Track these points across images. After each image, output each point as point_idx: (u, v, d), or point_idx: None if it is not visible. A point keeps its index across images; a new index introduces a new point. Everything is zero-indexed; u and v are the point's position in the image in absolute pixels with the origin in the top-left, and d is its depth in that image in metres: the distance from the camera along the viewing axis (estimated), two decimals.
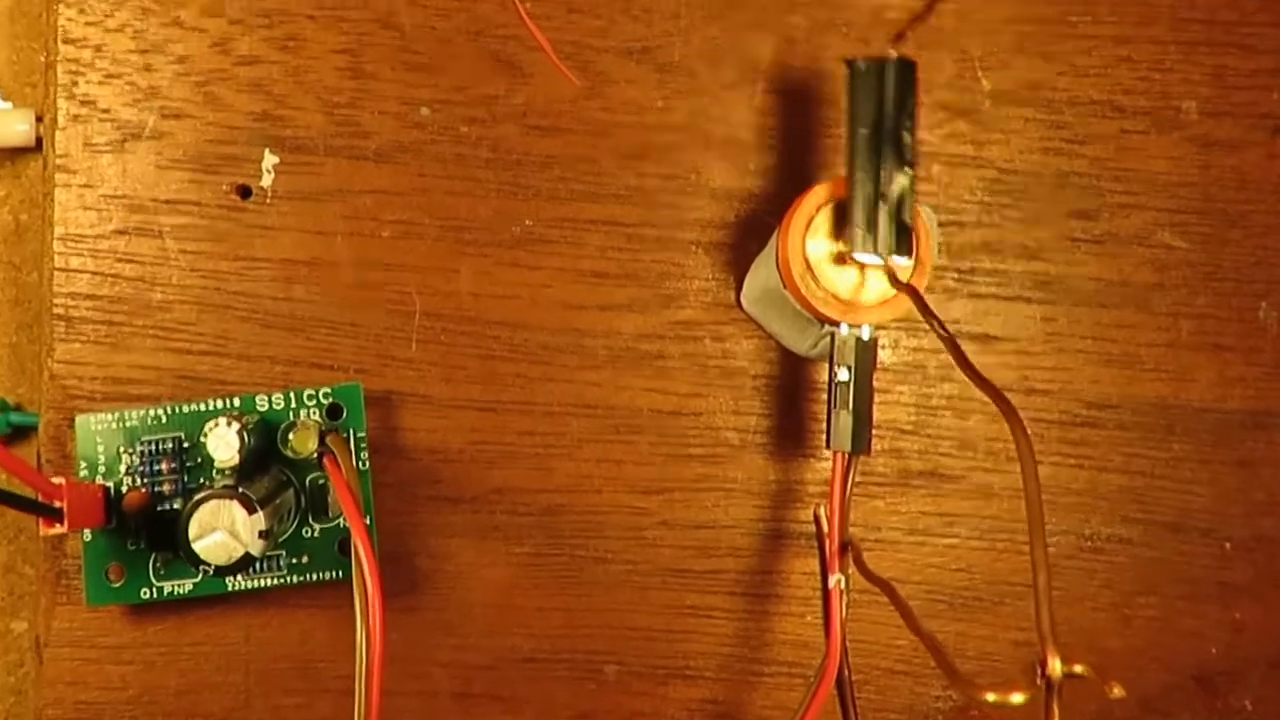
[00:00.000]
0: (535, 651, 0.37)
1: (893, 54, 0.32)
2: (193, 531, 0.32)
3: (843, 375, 0.33)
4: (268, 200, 0.36)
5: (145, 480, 0.35)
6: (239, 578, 0.35)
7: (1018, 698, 0.24)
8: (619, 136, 0.37)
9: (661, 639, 0.37)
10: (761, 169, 0.37)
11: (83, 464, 0.35)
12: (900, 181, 0.31)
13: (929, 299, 0.31)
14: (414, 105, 0.37)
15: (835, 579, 0.34)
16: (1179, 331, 0.38)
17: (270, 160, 0.36)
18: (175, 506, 0.34)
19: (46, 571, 0.35)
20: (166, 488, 0.35)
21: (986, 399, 0.28)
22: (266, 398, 0.35)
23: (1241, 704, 0.38)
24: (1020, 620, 0.38)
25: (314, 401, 0.35)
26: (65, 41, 0.36)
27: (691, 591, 0.37)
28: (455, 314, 0.37)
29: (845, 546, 0.34)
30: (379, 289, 0.36)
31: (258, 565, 0.35)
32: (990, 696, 0.25)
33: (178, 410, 0.35)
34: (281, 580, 0.35)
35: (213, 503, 0.32)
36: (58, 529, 0.32)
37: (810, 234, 0.33)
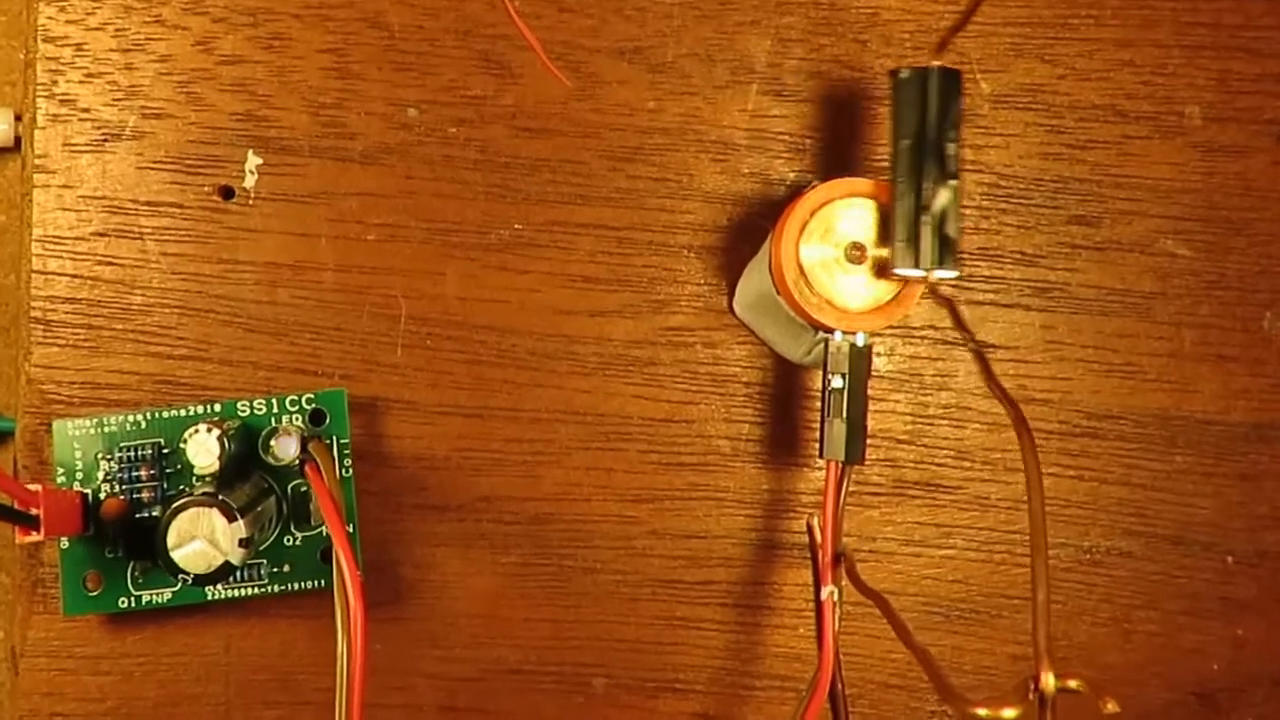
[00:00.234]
0: (522, 663, 0.36)
1: (935, 63, 0.31)
2: (171, 540, 0.31)
3: (837, 383, 0.32)
4: (251, 202, 0.36)
5: (124, 487, 0.34)
6: (219, 587, 0.34)
7: (1010, 713, 0.24)
8: (610, 138, 0.36)
9: (651, 651, 0.36)
10: (754, 172, 0.37)
11: (60, 470, 0.34)
12: (943, 195, 0.31)
13: (920, 306, 0.31)
14: (401, 106, 0.36)
15: (828, 591, 0.33)
16: (1181, 341, 0.37)
17: (253, 161, 0.36)
18: (154, 514, 0.34)
19: (22, 580, 0.35)
20: (146, 495, 0.34)
21: (984, 408, 0.27)
22: (248, 403, 0.34)
23: None
24: (1017, 633, 0.37)
25: (297, 407, 0.34)
26: (45, 40, 0.35)
27: (682, 603, 0.36)
28: (442, 319, 0.36)
29: (838, 558, 0.33)
30: (364, 293, 0.36)
31: (238, 574, 0.34)
32: (982, 712, 0.24)
33: (157, 416, 0.34)
34: (263, 589, 0.34)
35: (192, 510, 0.31)
36: (34, 537, 0.32)
37: (804, 239, 0.32)
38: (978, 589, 0.37)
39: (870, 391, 0.33)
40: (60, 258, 0.35)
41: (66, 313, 0.35)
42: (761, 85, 0.37)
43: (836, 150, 0.37)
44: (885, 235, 0.31)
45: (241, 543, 0.31)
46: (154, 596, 0.34)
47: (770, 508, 0.37)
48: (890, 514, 0.37)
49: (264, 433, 0.34)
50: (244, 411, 0.34)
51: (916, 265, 0.31)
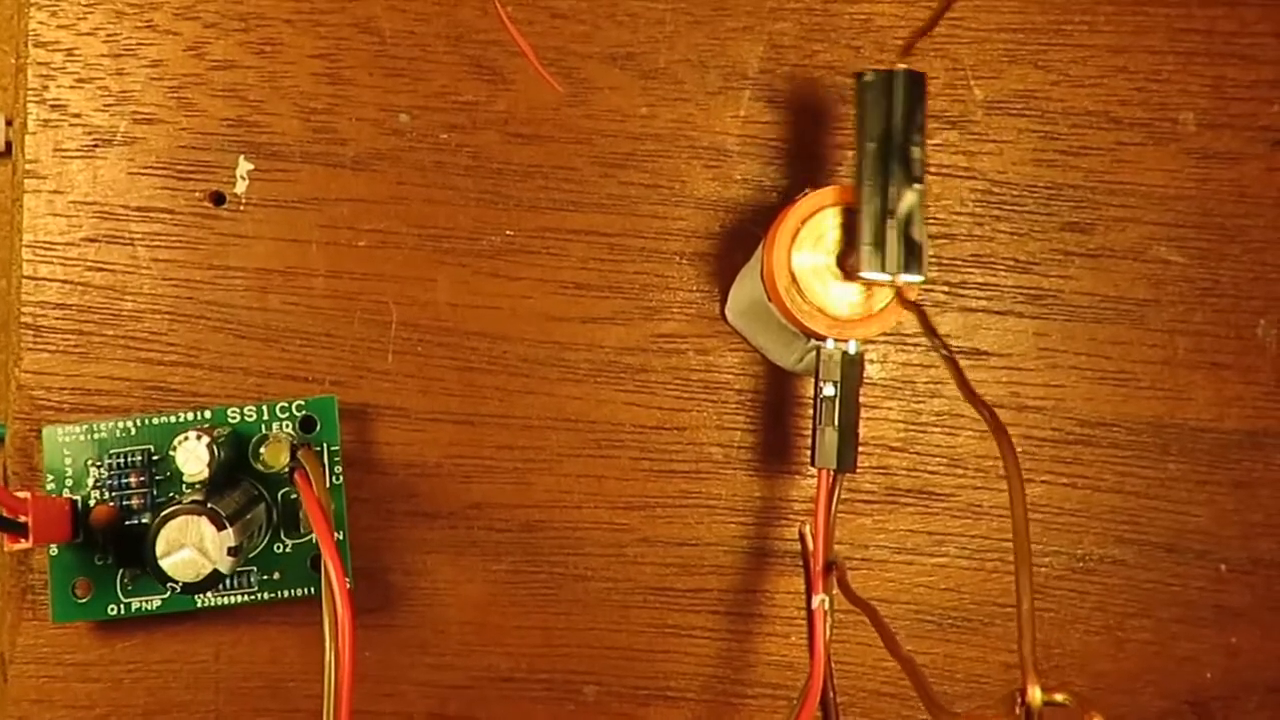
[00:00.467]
0: (513, 671, 0.36)
1: (901, 66, 0.31)
2: (160, 548, 0.31)
3: (828, 390, 0.32)
4: (242, 208, 0.35)
5: (113, 494, 0.34)
6: (209, 594, 0.34)
7: None
8: (602, 145, 0.36)
9: (642, 659, 0.36)
10: (747, 178, 0.37)
11: (50, 477, 0.34)
12: (909, 198, 0.31)
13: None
14: (392, 112, 0.36)
15: (819, 599, 0.33)
16: (1175, 349, 0.37)
17: (245, 167, 0.35)
18: (144, 521, 0.34)
19: (11, 587, 0.35)
20: (135, 501, 0.34)
21: (977, 416, 0.27)
22: (238, 410, 0.34)
23: None
24: (1010, 642, 0.37)
25: (287, 414, 0.34)
26: (36, 45, 0.35)
27: (673, 610, 0.36)
28: (433, 325, 0.36)
29: (830, 566, 0.33)
30: (355, 299, 0.36)
31: (228, 581, 0.34)
32: None
33: (147, 422, 0.34)
34: (252, 597, 0.34)
35: (180, 518, 0.31)
36: (23, 544, 0.32)
37: (796, 246, 0.32)
38: (970, 597, 0.37)
39: (862, 399, 0.33)
40: (51, 263, 0.35)
41: (57, 318, 0.35)
42: (754, 91, 0.37)
43: (829, 157, 0.37)
44: (850, 239, 0.31)
45: (230, 551, 0.31)
46: (143, 604, 0.34)
47: (762, 515, 0.36)
48: (883, 522, 0.37)
49: (254, 439, 0.34)
50: (234, 418, 0.34)
51: (883, 269, 0.31)
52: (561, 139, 0.36)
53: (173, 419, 0.34)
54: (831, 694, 0.33)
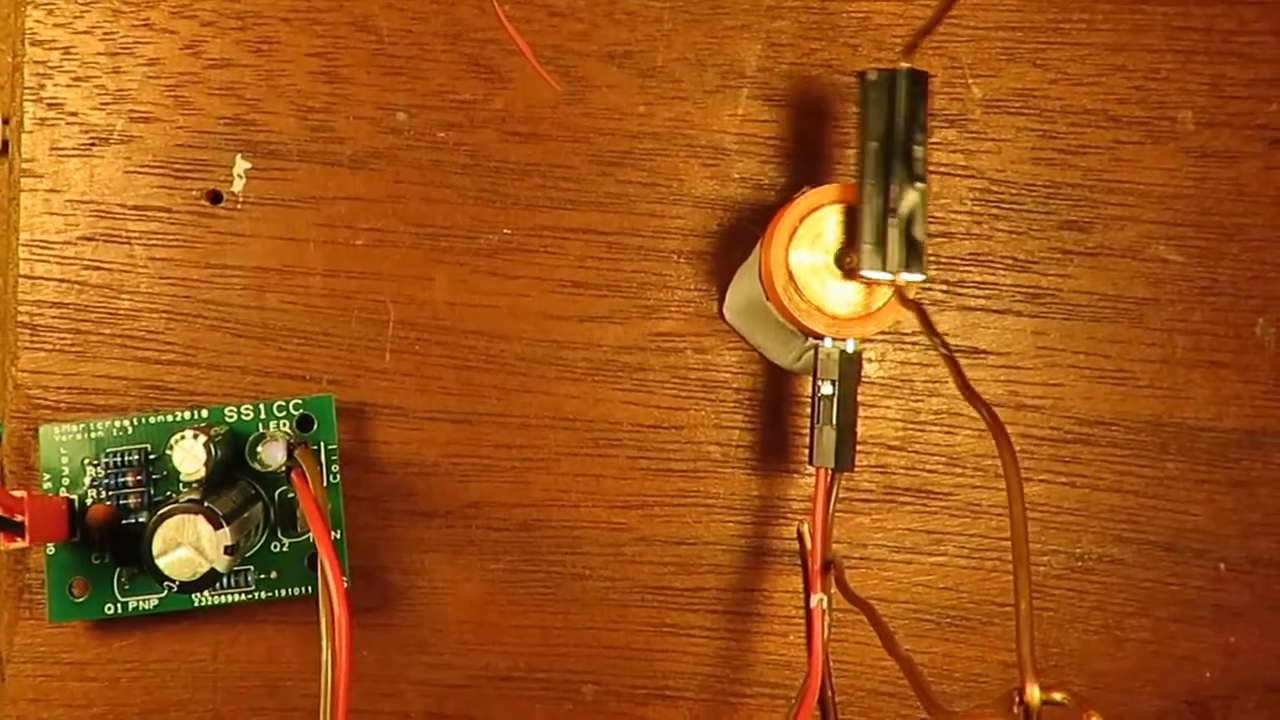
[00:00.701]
0: (511, 670, 0.36)
1: (904, 65, 0.31)
2: (156, 547, 0.31)
3: (826, 389, 0.32)
4: (239, 206, 0.35)
5: (110, 493, 0.34)
6: (206, 594, 0.34)
7: None
8: (600, 143, 0.36)
9: (640, 658, 0.36)
10: (745, 177, 0.37)
11: (46, 476, 0.34)
12: (911, 197, 0.31)
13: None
14: (390, 110, 0.36)
15: (817, 598, 0.33)
16: (1174, 347, 0.37)
17: (242, 165, 0.35)
18: (141, 520, 0.34)
19: (8, 586, 0.35)
20: (132, 500, 0.34)
21: (975, 415, 0.27)
22: (235, 409, 0.34)
23: None
24: (1009, 640, 0.37)
25: (284, 413, 0.34)
26: (33, 43, 0.35)
27: (671, 609, 0.36)
28: (431, 324, 0.36)
29: (828, 565, 0.33)
30: (353, 298, 0.36)
31: (225, 580, 0.34)
32: None
33: (144, 421, 0.34)
34: (250, 596, 0.34)
35: (177, 518, 0.31)
36: (19, 543, 0.31)
37: (794, 245, 0.32)
38: (969, 596, 0.37)
39: (861, 398, 0.33)
40: (47, 262, 0.35)
41: (53, 317, 0.35)
42: (752, 90, 0.37)
43: (826, 156, 0.37)
44: (852, 238, 0.31)
45: (227, 550, 0.31)
46: (140, 603, 0.34)
47: (760, 514, 0.36)
48: (881, 521, 0.37)
49: (251, 438, 0.34)
50: (231, 417, 0.34)
51: (884, 268, 0.31)
52: (559, 137, 0.36)
53: (170, 418, 0.34)
54: (830, 693, 0.33)
